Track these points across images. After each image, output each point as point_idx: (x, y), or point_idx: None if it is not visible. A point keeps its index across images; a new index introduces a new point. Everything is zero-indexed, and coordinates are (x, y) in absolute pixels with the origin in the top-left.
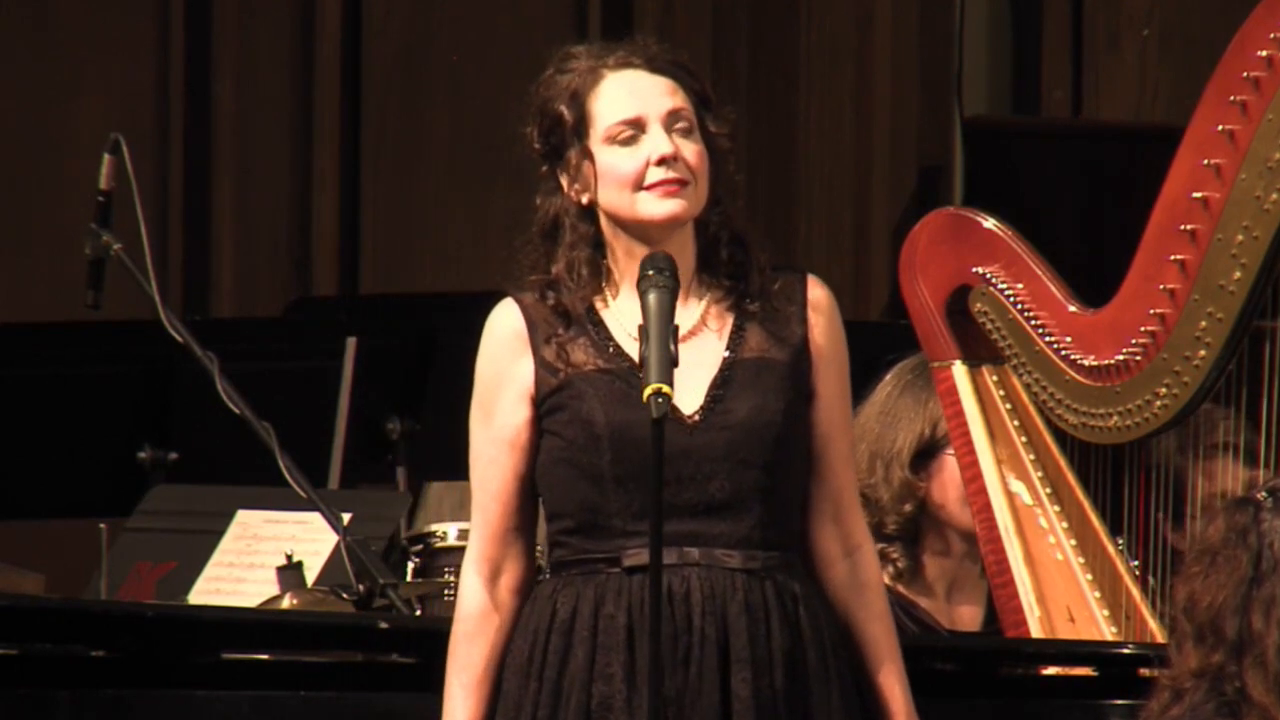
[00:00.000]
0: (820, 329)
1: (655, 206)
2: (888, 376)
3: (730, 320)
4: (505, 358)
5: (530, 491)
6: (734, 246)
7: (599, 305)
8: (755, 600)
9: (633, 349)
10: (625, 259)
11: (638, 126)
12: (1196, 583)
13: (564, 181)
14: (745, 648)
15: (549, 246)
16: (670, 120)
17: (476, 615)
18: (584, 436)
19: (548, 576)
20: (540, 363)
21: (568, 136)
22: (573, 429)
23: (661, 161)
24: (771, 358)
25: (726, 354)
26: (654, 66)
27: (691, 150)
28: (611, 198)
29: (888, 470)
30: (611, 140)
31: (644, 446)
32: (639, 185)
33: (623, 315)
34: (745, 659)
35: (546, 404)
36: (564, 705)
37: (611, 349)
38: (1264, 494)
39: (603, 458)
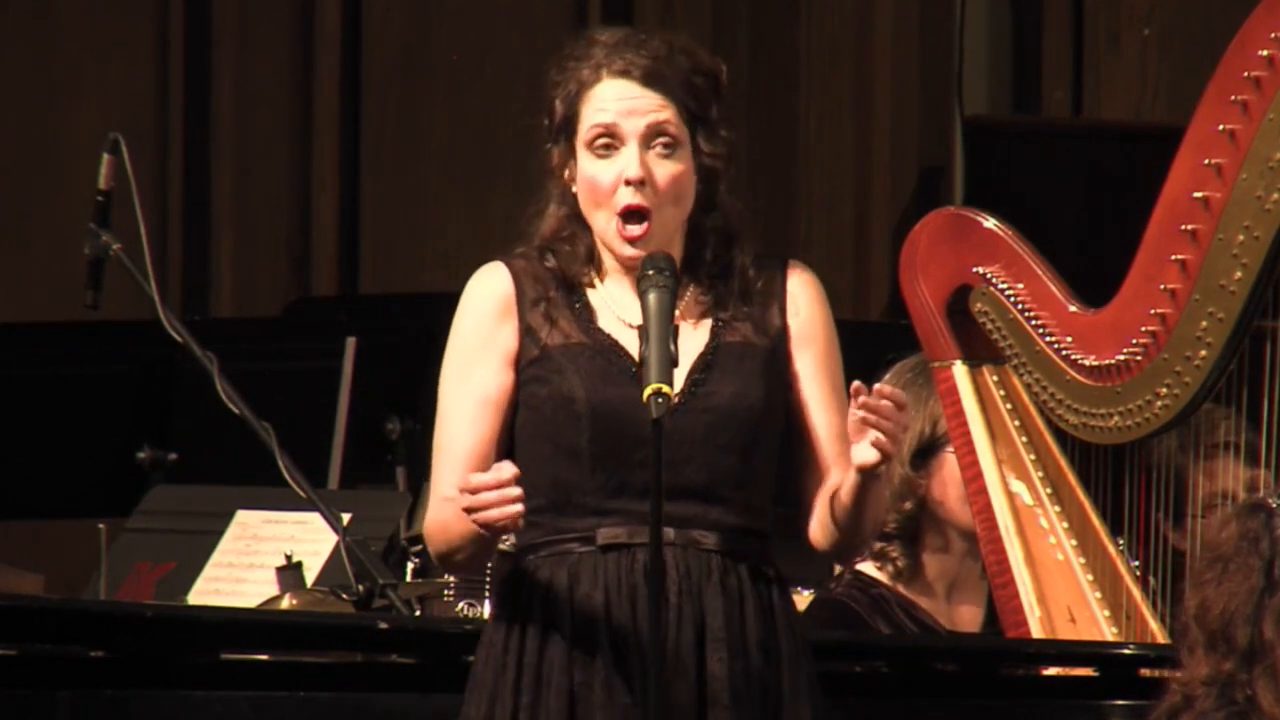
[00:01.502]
0: (800, 313)
1: (619, 247)
2: (887, 376)
3: (714, 309)
4: (490, 320)
5: (498, 455)
6: (722, 248)
7: (585, 283)
8: (730, 582)
9: (615, 328)
10: (603, 249)
11: (614, 138)
12: (1209, 590)
13: (558, 161)
14: (722, 628)
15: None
16: (648, 138)
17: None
18: (563, 413)
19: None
20: (525, 329)
21: (558, 131)
22: (550, 405)
23: (630, 185)
24: (753, 344)
25: (710, 339)
26: (649, 79)
27: (667, 171)
28: (585, 204)
29: (888, 468)
30: (589, 146)
31: (623, 423)
32: (608, 200)
33: (610, 298)
34: (721, 639)
35: (526, 373)
36: (545, 688)
37: (594, 325)
38: (1275, 500)
39: (581, 435)
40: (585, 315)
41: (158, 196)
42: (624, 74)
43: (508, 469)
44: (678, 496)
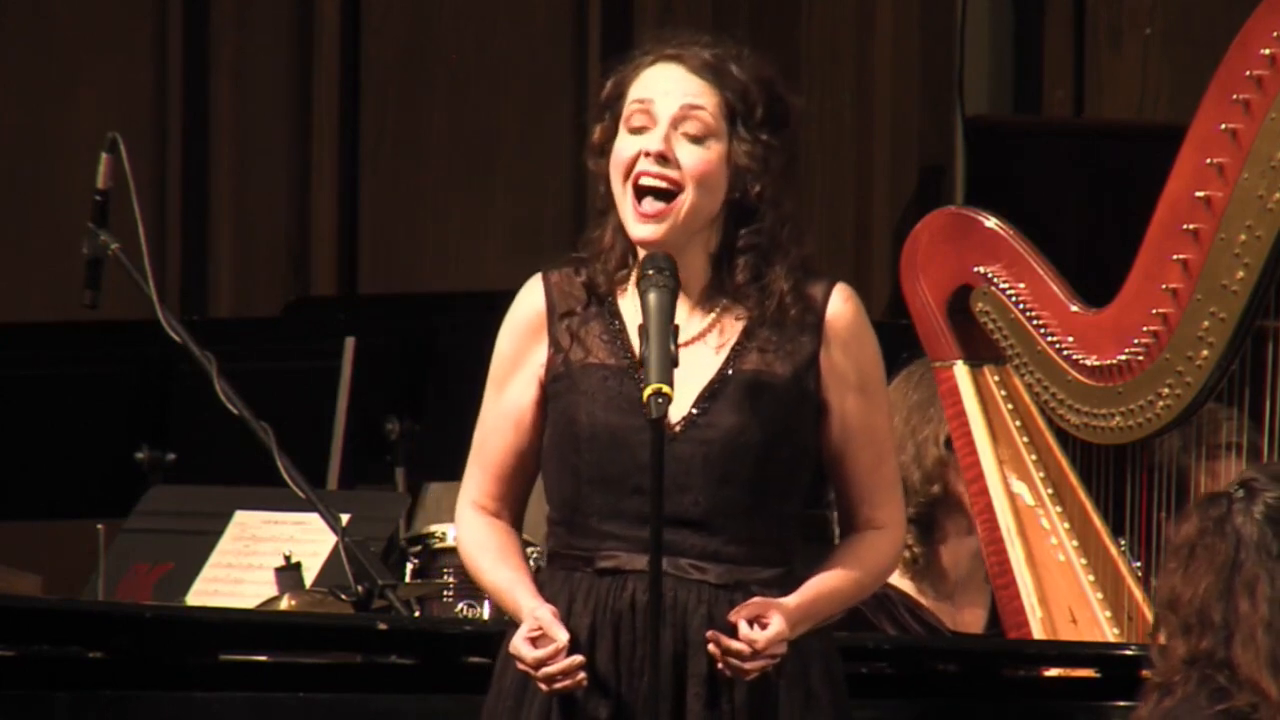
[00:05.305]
0: (837, 343)
1: (634, 227)
2: (911, 367)
3: (738, 331)
4: (522, 338)
5: (526, 468)
6: (763, 265)
7: (619, 293)
8: (720, 615)
9: (639, 345)
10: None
11: (648, 116)
12: (1176, 578)
13: (597, 139)
14: (703, 662)
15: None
16: (678, 121)
17: (485, 525)
18: (567, 434)
19: (544, 564)
20: (553, 344)
21: (603, 108)
22: (561, 423)
23: (649, 157)
24: (772, 372)
25: (722, 366)
26: (699, 69)
27: (693, 156)
28: (613, 183)
29: (920, 449)
30: (626, 122)
31: (623, 451)
32: (629, 174)
33: (638, 309)
34: (701, 674)
35: (552, 388)
36: (528, 700)
37: (620, 342)
38: (1235, 488)
39: (582, 458)
40: (613, 329)
41: (156, 196)
42: (676, 59)
43: (562, 636)
44: (674, 525)
